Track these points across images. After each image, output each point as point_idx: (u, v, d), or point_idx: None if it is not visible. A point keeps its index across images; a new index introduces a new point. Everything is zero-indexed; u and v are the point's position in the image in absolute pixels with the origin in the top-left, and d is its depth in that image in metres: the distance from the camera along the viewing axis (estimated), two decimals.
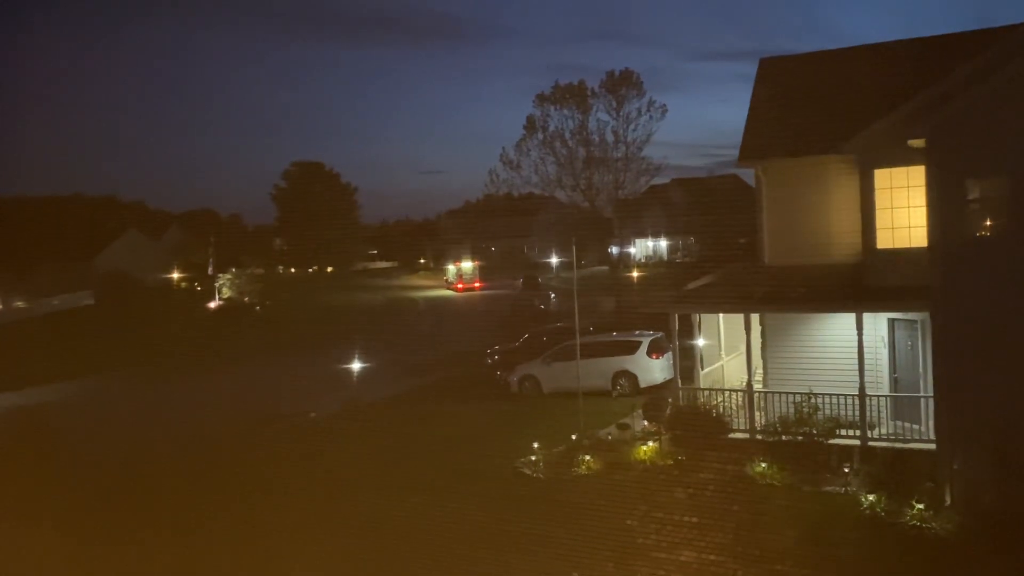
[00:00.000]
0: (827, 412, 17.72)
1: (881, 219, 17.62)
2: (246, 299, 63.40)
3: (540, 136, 57.95)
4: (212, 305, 62.67)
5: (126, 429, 27.01)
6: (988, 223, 15.56)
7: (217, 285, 64.32)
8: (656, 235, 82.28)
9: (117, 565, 15.18)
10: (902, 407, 17.90)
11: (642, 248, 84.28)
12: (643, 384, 25.76)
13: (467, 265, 75.02)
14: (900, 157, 16.75)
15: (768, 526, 14.83)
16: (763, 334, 20.05)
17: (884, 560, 13.48)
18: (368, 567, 14.62)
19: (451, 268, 77.21)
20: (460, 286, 72.34)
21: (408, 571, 14.47)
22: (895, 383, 18.41)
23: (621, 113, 57.26)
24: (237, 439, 23.71)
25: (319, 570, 14.66)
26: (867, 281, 17.71)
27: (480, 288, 71.68)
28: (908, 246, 17.08)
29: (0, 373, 35.85)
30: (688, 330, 20.53)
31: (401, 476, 19.26)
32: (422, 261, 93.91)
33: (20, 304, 70.19)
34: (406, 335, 44.62)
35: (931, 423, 16.45)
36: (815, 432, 17.33)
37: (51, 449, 24.21)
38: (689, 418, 18.80)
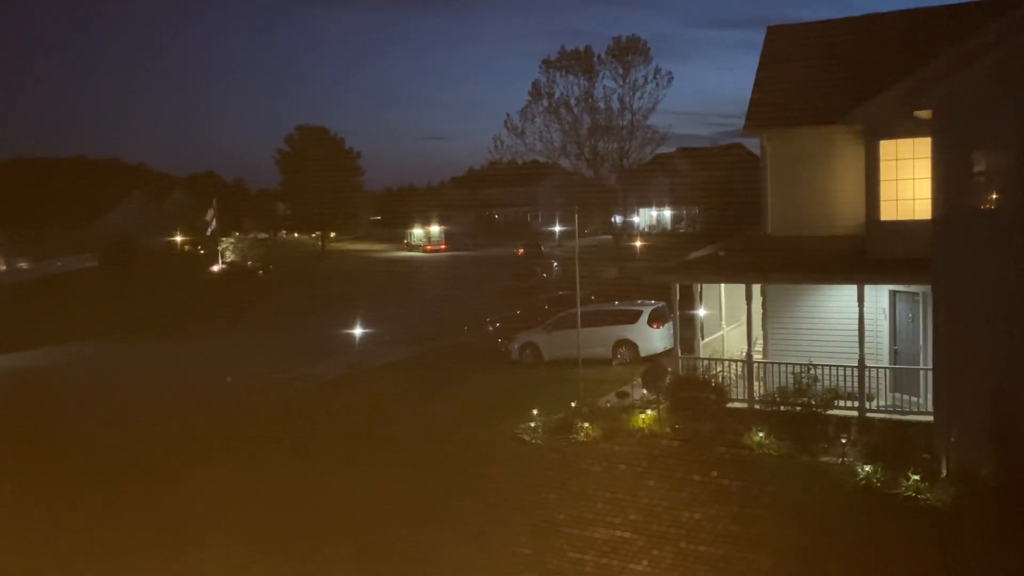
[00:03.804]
0: (826, 383, 17.76)
1: (885, 191, 17.52)
2: (249, 263, 63.44)
3: (545, 103, 57.76)
4: (215, 269, 62.70)
5: (91, 397, 26.94)
6: (993, 196, 15.45)
7: (220, 249, 64.31)
8: (660, 204, 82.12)
9: None
10: (901, 379, 17.94)
11: (646, 217, 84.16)
12: (643, 353, 25.83)
13: (435, 229, 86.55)
14: (906, 128, 16.61)
15: (762, 494, 14.93)
16: (764, 305, 20.05)
17: (877, 529, 13.59)
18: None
19: (419, 232, 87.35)
20: (428, 247, 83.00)
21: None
22: (895, 355, 18.44)
23: (627, 80, 56.97)
24: (228, 407, 23.89)
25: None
26: (870, 253, 17.66)
27: (445, 249, 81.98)
28: (912, 218, 17.00)
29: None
30: (689, 300, 20.52)
31: (399, 441, 19.43)
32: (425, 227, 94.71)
33: (24, 265, 70.36)
34: (407, 302, 44.75)
35: (930, 395, 16.49)
36: (813, 403, 17.38)
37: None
38: (688, 387, 18.87)
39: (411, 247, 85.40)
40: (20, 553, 14.53)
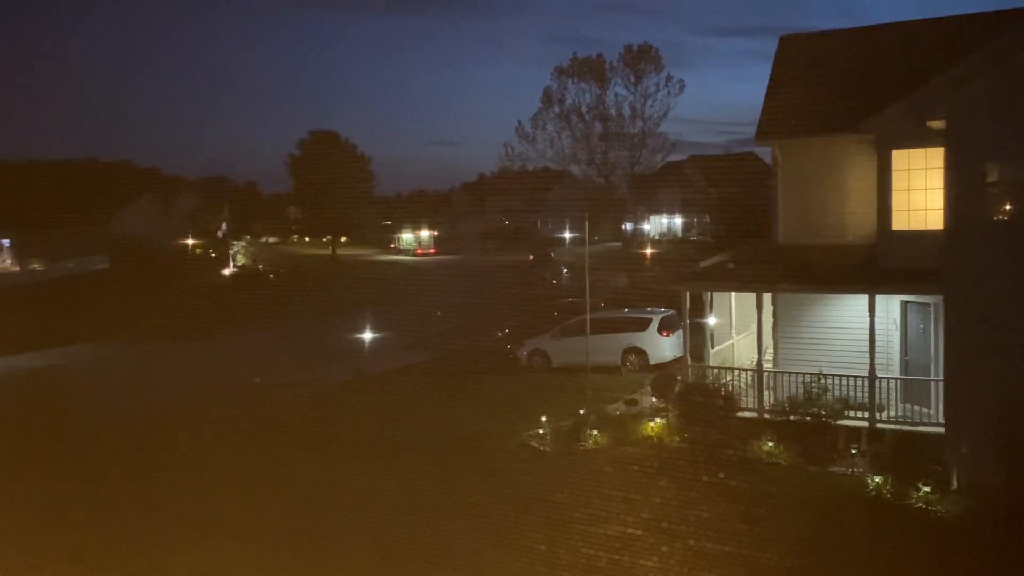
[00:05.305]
0: (836, 393, 17.70)
1: (897, 201, 17.50)
2: (260, 267, 63.74)
3: (557, 109, 58.03)
4: (226, 272, 62.97)
5: (111, 395, 27.04)
6: (1006, 207, 15.40)
7: (231, 252, 64.60)
8: (670, 212, 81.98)
9: None
10: (912, 390, 17.86)
11: (656, 225, 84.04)
12: (653, 361, 25.79)
13: (425, 234, 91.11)
14: (919, 138, 16.59)
15: (770, 504, 14.85)
16: (775, 314, 20.01)
17: (886, 540, 13.51)
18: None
19: (408, 236, 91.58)
20: (419, 252, 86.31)
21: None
22: (906, 366, 18.36)
23: (639, 88, 57.11)
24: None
25: None
26: (881, 263, 17.61)
27: (435, 253, 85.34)
28: (924, 228, 16.97)
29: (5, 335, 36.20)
30: (699, 308, 20.51)
31: (408, 444, 19.42)
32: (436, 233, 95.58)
33: (36, 266, 70.77)
34: (414, 307, 44.78)
35: (941, 406, 16.43)
36: (823, 413, 17.33)
37: None
38: (698, 396, 18.82)
39: (399, 251, 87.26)
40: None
